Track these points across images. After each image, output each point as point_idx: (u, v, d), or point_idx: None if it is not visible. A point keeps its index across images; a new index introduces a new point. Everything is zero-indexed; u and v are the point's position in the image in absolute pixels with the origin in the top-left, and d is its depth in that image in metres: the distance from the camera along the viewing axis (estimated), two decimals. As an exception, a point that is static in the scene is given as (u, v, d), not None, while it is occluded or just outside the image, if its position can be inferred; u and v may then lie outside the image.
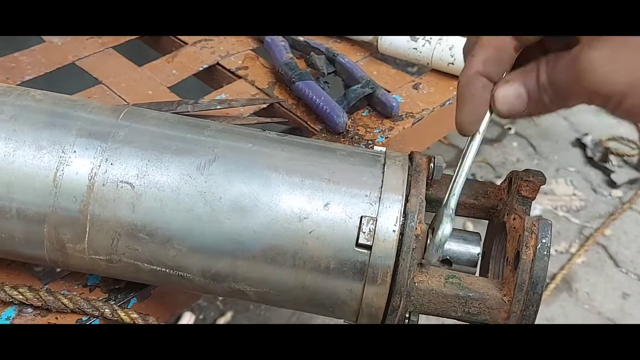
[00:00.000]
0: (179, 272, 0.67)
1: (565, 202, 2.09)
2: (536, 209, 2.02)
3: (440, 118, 1.03)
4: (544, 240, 0.63)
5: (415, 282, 0.65)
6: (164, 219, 0.65)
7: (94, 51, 1.08)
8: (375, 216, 0.64)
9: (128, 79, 1.03)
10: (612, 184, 2.18)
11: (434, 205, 0.73)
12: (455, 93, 1.00)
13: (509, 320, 0.64)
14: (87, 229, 0.66)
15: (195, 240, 0.65)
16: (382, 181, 0.66)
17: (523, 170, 0.69)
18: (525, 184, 0.68)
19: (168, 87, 1.03)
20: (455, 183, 0.65)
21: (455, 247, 0.70)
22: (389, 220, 0.64)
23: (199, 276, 0.67)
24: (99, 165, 0.66)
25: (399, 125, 0.98)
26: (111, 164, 0.66)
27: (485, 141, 2.15)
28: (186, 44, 1.12)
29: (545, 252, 0.63)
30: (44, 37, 1.10)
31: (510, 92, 0.60)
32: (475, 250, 0.69)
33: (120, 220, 0.65)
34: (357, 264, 0.64)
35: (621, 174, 2.21)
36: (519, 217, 0.67)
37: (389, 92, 1.03)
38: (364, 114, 1.00)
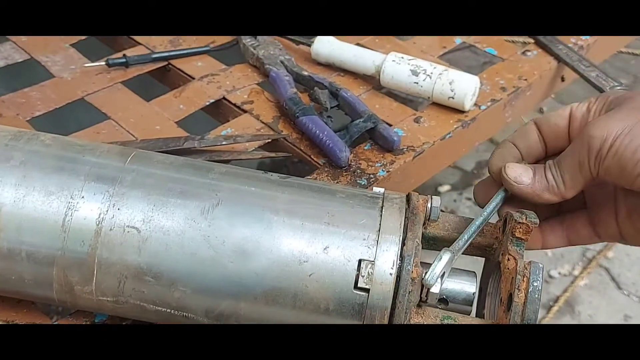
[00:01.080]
0: (183, 313, 0.69)
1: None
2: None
3: (440, 151, 1.05)
4: (535, 284, 0.65)
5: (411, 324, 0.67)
6: (169, 263, 0.67)
7: (102, 86, 1.11)
8: (373, 259, 0.66)
9: (136, 114, 1.06)
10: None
11: (432, 243, 0.76)
12: (454, 127, 1.02)
13: None
14: (95, 272, 0.68)
15: (199, 283, 0.67)
16: (380, 224, 0.68)
17: (517, 211, 0.71)
18: (518, 226, 0.70)
19: (175, 122, 1.05)
20: (468, 229, 0.72)
21: (451, 285, 0.72)
22: (386, 264, 0.66)
23: (202, 316, 0.69)
24: (107, 211, 0.68)
25: (400, 159, 1.00)
26: (118, 208, 0.68)
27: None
28: (193, 78, 1.15)
29: (537, 295, 0.65)
30: (54, 73, 1.12)
31: (518, 167, 0.75)
32: (471, 289, 0.71)
33: (126, 264, 0.68)
34: (356, 306, 0.66)
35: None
36: (513, 259, 0.69)
37: (390, 125, 1.05)
38: (366, 148, 1.02)
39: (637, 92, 0.73)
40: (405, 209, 0.70)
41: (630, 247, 1.92)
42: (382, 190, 0.74)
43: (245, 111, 1.09)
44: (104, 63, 1.13)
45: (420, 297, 0.67)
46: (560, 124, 0.76)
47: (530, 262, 0.67)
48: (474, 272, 0.73)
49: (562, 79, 1.27)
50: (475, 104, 1.10)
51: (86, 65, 1.14)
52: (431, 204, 0.72)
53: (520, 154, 0.78)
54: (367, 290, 0.66)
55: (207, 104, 1.10)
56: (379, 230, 0.68)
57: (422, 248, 0.76)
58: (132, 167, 0.71)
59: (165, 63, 1.18)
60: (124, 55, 1.15)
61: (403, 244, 0.67)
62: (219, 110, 1.12)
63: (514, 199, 0.76)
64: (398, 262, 0.66)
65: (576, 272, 1.94)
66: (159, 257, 0.67)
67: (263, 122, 1.07)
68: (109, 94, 1.10)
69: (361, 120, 1.01)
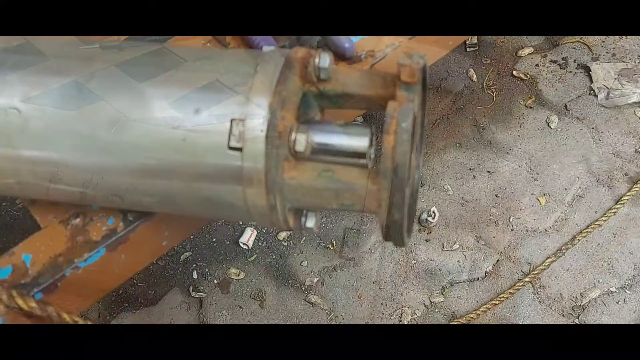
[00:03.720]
0: (79, 189, 0.71)
1: None
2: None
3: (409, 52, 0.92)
4: (403, 125, 0.61)
5: (285, 179, 0.65)
6: (52, 140, 0.68)
7: None
8: (244, 118, 0.64)
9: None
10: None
11: (335, 101, 0.72)
12: None
13: (381, 208, 0.63)
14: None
15: (81, 158, 0.68)
16: (252, 82, 0.66)
17: (404, 54, 0.67)
18: (402, 68, 0.66)
19: None
20: None
21: (342, 140, 0.69)
22: (256, 120, 0.64)
23: (95, 192, 0.70)
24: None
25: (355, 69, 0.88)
26: (-1, 92, 0.69)
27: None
28: None
29: (406, 137, 0.61)
30: None
31: None
32: (362, 142, 0.68)
33: (14, 146, 0.69)
34: (234, 168, 0.65)
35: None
36: (398, 103, 0.65)
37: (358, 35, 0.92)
38: None
39: None
40: (282, 65, 0.68)
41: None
42: (271, 48, 0.72)
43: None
44: None
45: (294, 151, 0.65)
46: None
47: (401, 104, 0.64)
48: (370, 125, 0.70)
49: None
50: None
51: None
52: (319, 62, 0.69)
53: None
54: (239, 150, 0.64)
55: None
56: (250, 88, 0.66)
57: (330, 108, 0.74)
58: (14, 51, 0.72)
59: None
60: None
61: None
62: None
63: None
64: (268, 117, 0.64)
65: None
66: (42, 135, 0.68)
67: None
68: None
69: None
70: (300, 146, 0.64)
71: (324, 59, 0.69)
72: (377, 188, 0.63)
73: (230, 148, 0.64)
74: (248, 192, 0.66)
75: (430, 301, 1.46)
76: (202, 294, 1.49)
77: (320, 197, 0.65)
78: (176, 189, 0.68)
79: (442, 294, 1.46)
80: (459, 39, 1.00)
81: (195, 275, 1.51)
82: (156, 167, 0.67)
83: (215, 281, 1.50)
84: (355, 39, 0.90)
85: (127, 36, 0.93)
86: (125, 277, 0.81)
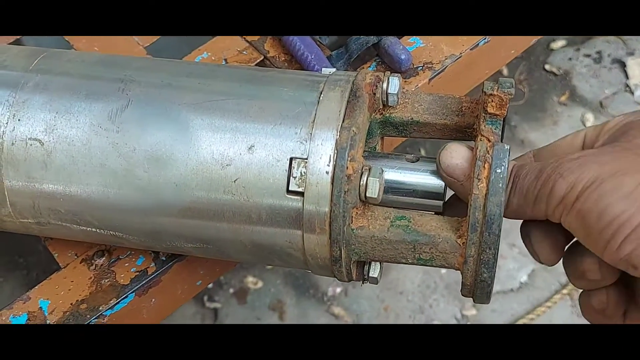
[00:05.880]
0: (110, 232, 0.61)
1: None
2: None
3: (470, 65, 0.81)
4: (498, 171, 0.52)
5: (353, 229, 0.56)
6: (78, 177, 0.58)
7: None
8: (306, 157, 0.55)
9: (102, 39, 0.87)
10: None
11: (402, 129, 0.63)
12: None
13: (467, 265, 0.54)
14: (6, 194, 0.61)
15: (114, 198, 0.58)
16: (315, 113, 0.56)
17: (491, 82, 0.58)
18: (490, 99, 0.56)
19: (145, 48, 0.86)
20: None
21: (414, 178, 0.60)
22: (322, 160, 0.55)
23: (128, 235, 0.61)
24: (7, 123, 0.59)
25: (411, 84, 0.78)
26: (19, 119, 0.59)
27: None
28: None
29: (500, 185, 0.52)
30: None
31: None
32: (439, 181, 0.59)
33: (35, 182, 0.59)
34: (292, 212, 0.56)
35: None
36: (486, 140, 0.56)
37: (404, 35, 0.81)
38: (370, 69, 0.79)
39: None
40: (349, 92, 0.58)
41: None
42: (332, 70, 0.62)
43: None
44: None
45: (364, 197, 0.55)
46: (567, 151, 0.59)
47: (493, 144, 0.54)
48: None
49: None
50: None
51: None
52: (387, 87, 0.59)
53: None
54: (301, 194, 0.55)
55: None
56: (314, 121, 0.56)
57: (393, 136, 0.65)
58: (38, 69, 0.62)
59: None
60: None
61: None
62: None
63: None
64: (335, 157, 0.55)
65: None
66: (67, 171, 0.59)
67: (247, 41, 0.84)
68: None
69: None
70: (373, 192, 0.54)
71: (394, 84, 0.59)
72: (463, 242, 0.54)
73: (290, 192, 0.55)
74: (308, 241, 0.56)
75: (462, 314, 1.37)
76: (217, 304, 1.40)
77: (393, 251, 0.56)
78: (223, 233, 0.59)
79: (474, 306, 1.37)
80: (524, 46, 0.90)
81: (209, 284, 1.42)
82: (201, 209, 0.57)
83: (232, 290, 1.42)
84: (411, 48, 0.80)
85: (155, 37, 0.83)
86: (155, 322, 0.71)
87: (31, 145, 0.59)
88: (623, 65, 1.65)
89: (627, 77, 1.63)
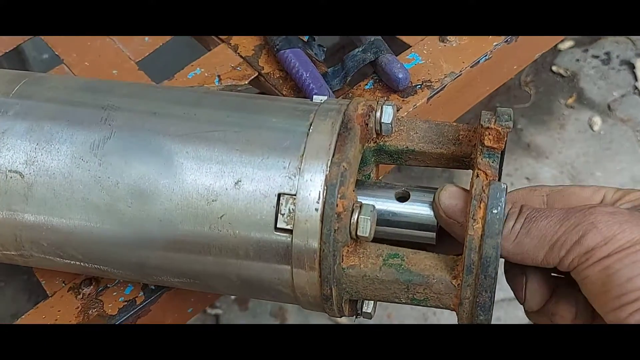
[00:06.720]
0: (94, 265, 0.59)
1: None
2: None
3: (470, 83, 0.79)
4: (494, 211, 0.50)
5: (344, 268, 0.54)
6: (60, 211, 0.57)
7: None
8: (294, 193, 0.53)
9: (93, 53, 0.85)
10: None
11: (396, 157, 0.61)
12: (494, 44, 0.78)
13: (463, 306, 0.52)
14: (-13, 225, 0.59)
15: (97, 233, 0.57)
16: (305, 146, 0.54)
17: (489, 112, 0.55)
18: (487, 132, 0.54)
19: (137, 63, 0.84)
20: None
21: (407, 209, 0.58)
22: (311, 197, 0.52)
23: (113, 268, 0.59)
24: (-14, 154, 0.57)
25: (409, 103, 0.75)
26: (-2, 150, 0.57)
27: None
28: None
29: (497, 226, 0.50)
30: None
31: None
32: (429, 212, 0.57)
33: (15, 215, 0.57)
34: (280, 249, 0.54)
35: None
36: (483, 174, 0.54)
37: (403, 51, 0.79)
38: (367, 87, 0.77)
39: None
40: (341, 124, 0.56)
41: None
42: (323, 98, 0.60)
43: (222, 40, 0.84)
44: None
45: (354, 234, 0.53)
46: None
47: (489, 182, 0.52)
48: (433, 190, 0.59)
49: None
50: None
51: None
52: (380, 114, 0.57)
53: None
54: (289, 232, 0.53)
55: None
56: (303, 155, 0.54)
57: (388, 163, 0.63)
58: (20, 95, 0.60)
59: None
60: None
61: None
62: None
63: None
64: (324, 193, 0.52)
65: None
66: (48, 204, 0.57)
67: (241, 56, 0.82)
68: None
69: (359, 50, 0.76)
70: (364, 231, 0.52)
71: (387, 113, 0.57)
72: (459, 284, 0.52)
73: (278, 229, 0.53)
74: (297, 277, 0.54)
75: (467, 323, 1.35)
76: (218, 310, 1.38)
77: (386, 291, 0.54)
78: (209, 268, 0.57)
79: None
80: (527, 60, 0.87)
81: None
82: (186, 244, 0.56)
83: (233, 296, 1.40)
84: (409, 65, 0.77)
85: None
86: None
87: (11, 177, 0.57)
88: (632, 66, 1.62)
89: (636, 79, 1.60)
